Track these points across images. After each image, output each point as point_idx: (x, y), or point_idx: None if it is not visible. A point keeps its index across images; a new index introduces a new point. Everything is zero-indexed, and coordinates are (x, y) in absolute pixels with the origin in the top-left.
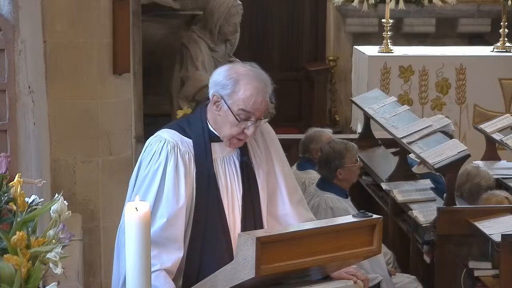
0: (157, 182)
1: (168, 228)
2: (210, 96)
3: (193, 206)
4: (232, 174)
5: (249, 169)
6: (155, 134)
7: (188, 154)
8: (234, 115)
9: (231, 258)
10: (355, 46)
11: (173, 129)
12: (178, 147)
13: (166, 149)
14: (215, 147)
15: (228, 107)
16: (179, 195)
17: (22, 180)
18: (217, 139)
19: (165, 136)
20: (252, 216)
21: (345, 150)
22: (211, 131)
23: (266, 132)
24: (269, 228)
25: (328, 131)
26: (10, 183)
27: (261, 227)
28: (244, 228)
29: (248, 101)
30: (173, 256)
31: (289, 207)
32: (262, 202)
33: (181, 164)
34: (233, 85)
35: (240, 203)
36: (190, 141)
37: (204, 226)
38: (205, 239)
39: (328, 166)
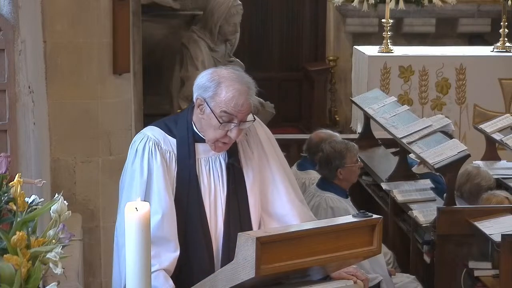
0: (145, 178)
1: (164, 224)
2: (194, 100)
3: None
4: (217, 175)
5: (236, 171)
6: (140, 131)
7: (170, 153)
8: (217, 117)
9: (210, 260)
10: (355, 46)
11: (158, 127)
12: (160, 145)
13: (148, 146)
14: (199, 148)
15: (211, 109)
16: (170, 190)
17: (22, 180)
18: (202, 139)
19: (148, 134)
20: (237, 218)
21: (345, 150)
22: (196, 132)
23: (260, 131)
24: (269, 228)
25: (338, 135)
26: (10, 183)
27: (248, 229)
28: (228, 230)
29: (229, 103)
30: (171, 255)
31: (288, 206)
32: (251, 204)
33: (164, 162)
34: (215, 87)
35: (223, 205)
36: (174, 140)
37: (184, 227)
38: (185, 240)
39: (329, 166)
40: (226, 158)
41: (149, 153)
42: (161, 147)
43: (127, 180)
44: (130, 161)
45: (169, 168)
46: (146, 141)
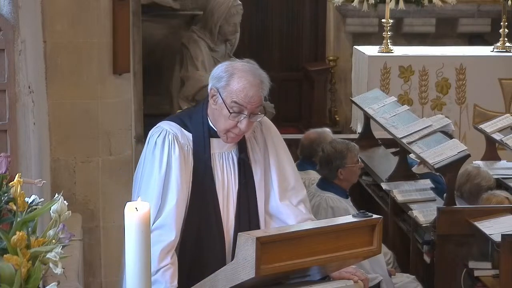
0: (163, 172)
1: (177, 210)
2: (209, 90)
3: (189, 198)
4: (230, 170)
5: (246, 166)
6: (156, 125)
7: (187, 147)
8: (227, 107)
9: (222, 250)
10: (355, 46)
11: (174, 122)
12: (178, 139)
13: (168, 139)
14: (214, 143)
15: (222, 99)
16: (185, 185)
17: (22, 180)
18: (217, 134)
19: (166, 128)
20: (246, 212)
21: (346, 150)
22: (211, 126)
23: (266, 129)
24: (269, 228)
25: (327, 130)
26: (10, 183)
27: (256, 224)
28: (238, 223)
29: (240, 93)
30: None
31: (281, 206)
32: (258, 199)
33: (182, 155)
34: (227, 78)
35: (235, 199)
36: (190, 135)
37: (199, 218)
38: (199, 231)
39: (329, 165)
40: (237, 153)
41: (169, 146)
42: (179, 140)
43: (146, 173)
44: (149, 154)
45: (187, 162)
46: (166, 135)
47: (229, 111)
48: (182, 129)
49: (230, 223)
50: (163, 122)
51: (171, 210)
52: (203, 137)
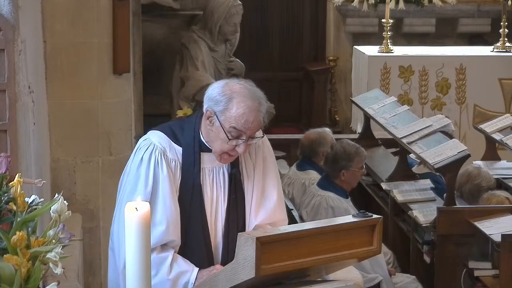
0: (149, 189)
1: (169, 234)
2: (204, 111)
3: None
4: (220, 185)
5: (237, 182)
6: (145, 136)
7: (175, 162)
8: (225, 132)
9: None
10: (355, 46)
11: (164, 133)
12: (166, 154)
13: (154, 155)
14: (205, 157)
15: (220, 123)
16: (175, 198)
17: (22, 180)
18: (208, 149)
19: (154, 141)
20: (235, 227)
21: (355, 154)
22: (202, 141)
23: (263, 145)
24: (269, 228)
25: (327, 130)
26: (10, 183)
27: None
28: (226, 240)
29: (239, 119)
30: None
31: (272, 220)
32: (247, 216)
33: (169, 171)
34: (226, 102)
35: (224, 215)
36: (180, 149)
37: (186, 235)
38: (186, 248)
39: (334, 164)
40: (229, 168)
41: (155, 162)
42: (167, 156)
43: (128, 188)
44: (133, 168)
45: (174, 177)
46: (153, 150)
47: (227, 136)
48: (172, 142)
49: (218, 240)
50: (152, 132)
51: (161, 234)
52: (193, 152)
